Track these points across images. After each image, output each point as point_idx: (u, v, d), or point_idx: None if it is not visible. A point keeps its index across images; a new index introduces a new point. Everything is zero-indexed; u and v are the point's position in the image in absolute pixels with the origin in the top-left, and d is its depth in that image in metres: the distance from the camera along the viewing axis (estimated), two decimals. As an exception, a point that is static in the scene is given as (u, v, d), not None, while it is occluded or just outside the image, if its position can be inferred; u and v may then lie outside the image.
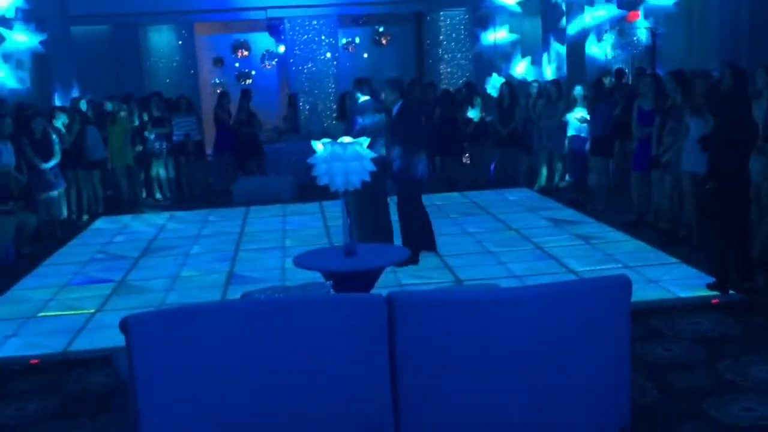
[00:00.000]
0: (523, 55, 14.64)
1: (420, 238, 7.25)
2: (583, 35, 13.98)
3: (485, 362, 3.70)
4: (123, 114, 11.57)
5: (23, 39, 12.77)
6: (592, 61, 14.27)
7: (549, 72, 13.82)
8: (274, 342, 3.60)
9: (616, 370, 3.85)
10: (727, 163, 5.69)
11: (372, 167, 5.06)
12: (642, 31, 14.25)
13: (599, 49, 14.19)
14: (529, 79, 13.27)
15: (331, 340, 3.67)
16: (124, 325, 3.54)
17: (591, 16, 14.13)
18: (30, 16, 12.71)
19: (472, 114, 11.91)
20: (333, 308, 3.73)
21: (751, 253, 6.14)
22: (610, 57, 14.45)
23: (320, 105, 14.35)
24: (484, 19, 14.92)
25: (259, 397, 3.57)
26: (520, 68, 14.53)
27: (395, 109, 7.07)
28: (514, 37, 14.76)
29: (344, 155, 4.91)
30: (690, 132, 6.93)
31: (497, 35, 14.76)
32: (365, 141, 5.04)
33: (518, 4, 14.63)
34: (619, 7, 14.13)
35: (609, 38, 14.45)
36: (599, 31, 14.24)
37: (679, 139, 7.33)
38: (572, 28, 13.95)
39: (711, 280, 6.09)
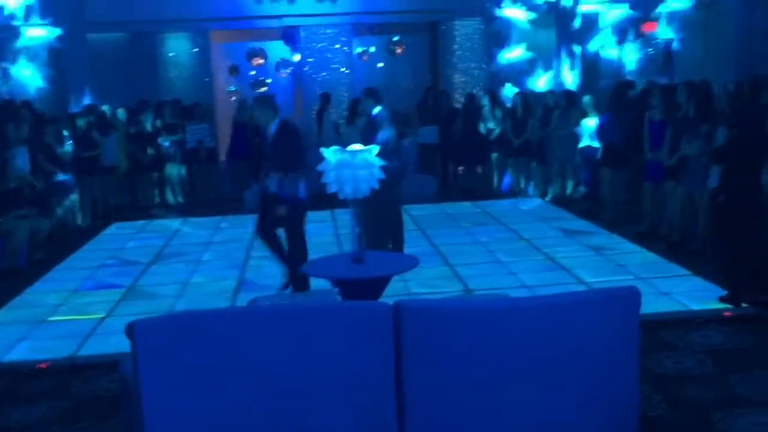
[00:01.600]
0: (545, 70, 14.65)
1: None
2: (597, 43, 13.96)
3: (492, 372, 3.67)
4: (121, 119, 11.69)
5: (40, 33, 12.97)
6: (608, 63, 14.20)
7: (569, 80, 13.75)
8: (280, 349, 3.59)
9: (624, 382, 3.81)
10: (741, 175, 5.64)
11: (381, 175, 5.06)
12: (658, 42, 14.22)
13: (617, 52, 14.13)
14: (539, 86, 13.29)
15: (338, 347, 3.65)
16: (130, 331, 3.55)
17: (605, 19, 14.09)
18: (46, 16, 12.92)
19: (490, 121, 11.89)
20: (339, 315, 3.72)
21: (764, 265, 6.06)
22: (628, 64, 14.41)
23: (334, 113, 14.36)
24: (499, 37, 14.85)
25: (264, 403, 3.56)
26: (541, 83, 14.51)
27: (272, 129, 6.57)
28: (530, 54, 14.76)
29: (353, 163, 4.91)
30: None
31: (513, 54, 14.74)
32: (375, 149, 5.04)
33: (530, 21, 14.59)
34: (631, 8, 14.07)
35: (631, 46, 14.41)
36: (619, 32, 14.16)
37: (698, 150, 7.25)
38: (587, 37, 13.93)
39: (723, 293, 6.04)
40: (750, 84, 6.18)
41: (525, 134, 11.27)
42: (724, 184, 5.84)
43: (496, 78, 14.79)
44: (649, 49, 14.53)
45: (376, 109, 7.38)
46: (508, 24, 14.76)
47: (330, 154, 5.01)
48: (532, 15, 14.58)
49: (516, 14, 14.63)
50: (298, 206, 6.58)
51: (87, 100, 12.75)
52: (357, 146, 5.05)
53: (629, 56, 14.52)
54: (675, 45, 14.45)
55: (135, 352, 3.46)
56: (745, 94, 5.85)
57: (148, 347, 3.49)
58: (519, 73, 14.73)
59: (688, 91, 7.57)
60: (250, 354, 3.56)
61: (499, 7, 14.44)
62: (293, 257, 6.57)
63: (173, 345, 3.53)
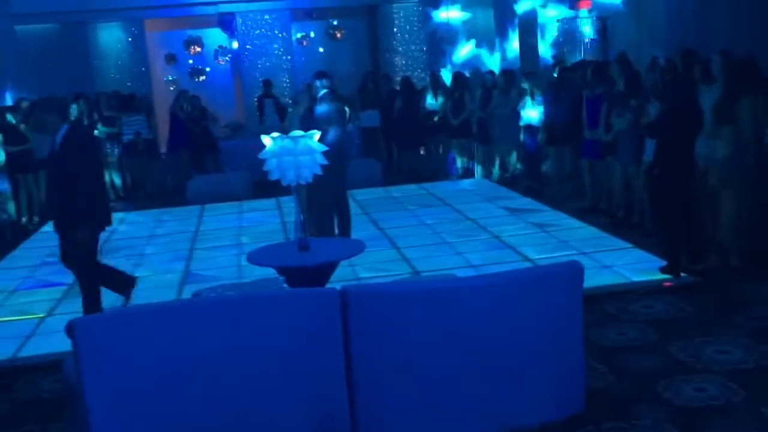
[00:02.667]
0: (468, 39, 14.61)
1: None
2: (534, 25, 14.07)
3: (440, 352, 3.69)
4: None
5: None
6: (545, 43, 14.34)
7: (515, 49, 13.77)
8: (226, 340, 3.55)
9: (570, 355, 3.88)
10: (674, 149, 5.77)
11: (323, 160, 5.02)
12: (586, 21, 14.39)
13: (544, 46, 14.28)
14: (479, 66, 13.33)
15: (285, 335, 3.62)
16: (70, 329, 3.46)
17: (543, 17, 14.22)
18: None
19: (430, 102, 11.90)
20: (285, 303, 3.69)
21: (701, 235, 6.23)
22: (566, 42, 14.56)
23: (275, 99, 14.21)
24: (442, 36, 14.81)
25: (212, 396, 3.51)
26: (465, 51, 14.47)
27: (58, 139, 5.34)
28: (467, 15, 14.67)
29: (295, 149, 4.86)
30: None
31: (449, 14, 14.65)
32: (315, 133, 5.00)
33: (468, 20, 14.56)
34: (570, 8, 14.25)
35: (552, 33, 14.55)
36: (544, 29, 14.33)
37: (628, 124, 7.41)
38: (524, 17, 14.01)
39: (663, 264, 6.19)
40: (681, 58, 6.31)
41: (464, 114, 11.33)
42: (659, 158, 5.97)
43: (433, 52, 14.72)
44: (577, 32, 14.71)
45: (323, 90, 7.32)
46: (446, 24, 14.69)
47: (271, 141, 4.95)
48: (468, 14, 14.53)
49: (453, 15, 14.56)
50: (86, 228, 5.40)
51: (16, 94, 12.34)
52: (298, 132, 5.00)
53: (565, 34, 14.66)
54: (609, 22, 14.65)
55: (76, 351, 3.38)
56: (677, 68, 5.96)
57: (89, 346, 3.41)
58: (454, 36, 14.64)
59: (620, 67, 7.71)
60: (195, 347, 3.50)
61: (436, 9, 14.36)
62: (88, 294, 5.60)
63: (115, 342, 3.45)
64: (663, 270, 6.09)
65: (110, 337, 3.46)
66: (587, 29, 14.69)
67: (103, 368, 3.40)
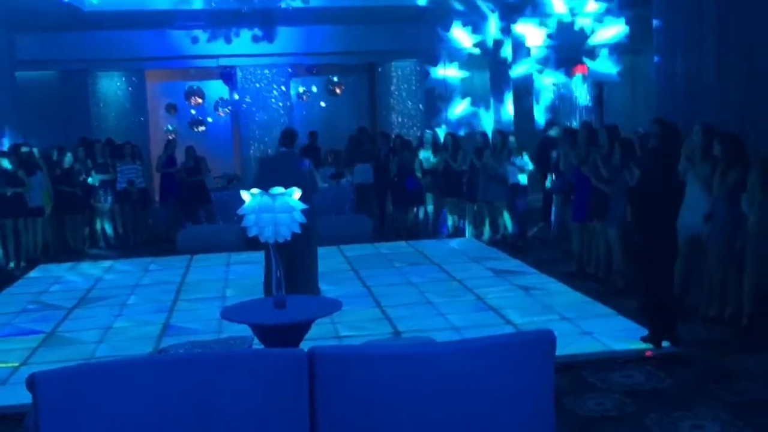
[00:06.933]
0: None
1: None
2: (530, 89, 14.31)
3: (409, 417, 3.63)
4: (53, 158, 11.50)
5: None
6: (541, 105, 14.56)
7: (507, 119, 13.93)
8: (190, 399, 3.48)
9: (541, 425, 3.81)
10: (654, 215, 5.77)
11: (302, 218, 5.02)
12: (581, 87, 14.66)
13: (538, 110, 14.52)
14: (474, 125, 13.52)
15: (251, 396, 3.56)
16: (31, 383, 3.40)
17: (539, 81, 14.47)
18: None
19: (425, 156, 11.96)
20: (252, 363, 3.63)
21: (674, 303, 6.19)
22: (562, 105, 14.81)
23: (271, 152, 14.31)
24: (438, 93, 15.04)
25: (172, 457, 3.44)
26: (459, 108, 14.66)
27: None
28: (464, 74, 14.89)
29: (273, 206, 4.87)
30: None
31: (458, 109, 14.94)
32: (294, 191, 5.00)
33: (463, 79, 14.78)
34: (566, 74, 14.50)
35: (565, 87, 14.79)
36: (551, 72, 14.56)
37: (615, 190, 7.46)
38: (519, 81, 14.25)
39: (645, 332, 6.13)
40: (663, 128, 6.39)
41: (456, 173, 11.41)
42: (638, 225, 5.97)
43: (430, 108, 14.90)
44: (580, 92, 14.96)
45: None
46: (443, 82, 14.92)
47: (250, 197, 4.96)
48: (465, 74, 14.78)
49: (450, 72, 14.81)
50: None
51: (13, 139, 12.44)
52: (278, 189, 5.01)
53: (561, 98, 14.91)
54: (606, 88, 14.90)
55: (36, 405, 3.32)
56: (658, 137, 6.04)
57: (49, 400, 3.35)
58: (466, 124, 14.90)
59: (609, 134, 7.82)
60: (158, 405, 3.44)
61: (434, 66, 14.62)
62: None
63: (77, 397, 3.39)
64: (644, 339, 6.03)
65: (72, 392, 3.40)
66: (583, 95, 14.93)
67: (63, 424, 3.34)
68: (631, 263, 6.44)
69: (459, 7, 13.08)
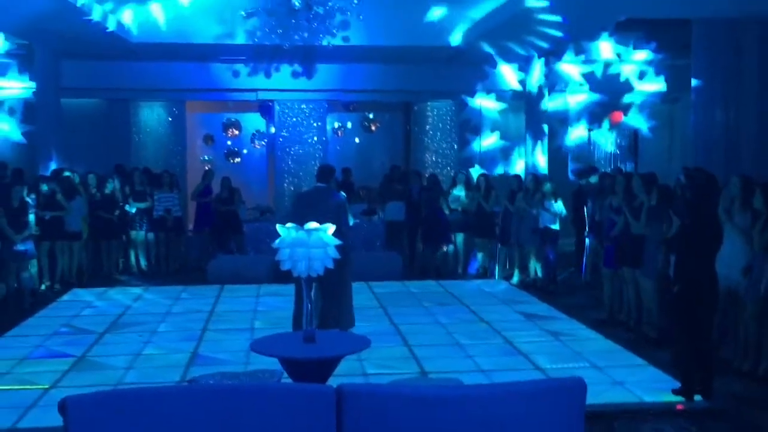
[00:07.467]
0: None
1: None
2: (564, 132, 14.42)
3: (435, 461, 3.60)
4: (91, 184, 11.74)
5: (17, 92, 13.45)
6: (576, 150, 14.63)
7: (542, 164, 13.99)
8: (218, 430, 3.50)
9: (568, 475, 3.75)
10: (694, 265, 5.69)
11: (336, 254, 5.05)
12: (617, 135, 14.76)
13: (584, 138, 14.62)
14: (507, 167, 13.64)
15: (278, 430, 3.57)
16: (62, 407, 3.45)
17: (573, 102, 14.55)
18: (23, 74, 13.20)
19: (456, 194, 11.95)
20: (280, 398, 3.64)
21: (714, 357, 6.08)
22: (597, 151, 14.87)
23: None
24: (469, 124, 15.23)
25: (198, 487, 3.44)
26: (489, 141, 14.92)
27: None
28: (502, 143, 15.17)
29: (308, 241, 4.91)
30: None
31: (487, 142, 15.16)
32: (329, 227, 5.05)
33: (500, 111, 14.99)
34: (599, 97, 14.57)
35: (600, 133, 14.87)
36: (588, 119, 14.64)
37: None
38: (555, 123, 14.36)
39: (677, 384, 6.02)
40: (704, 176, 6.35)
41: (488, 214, 11.40)
42: (679, 274, 5.89)
43: (466, 160, 15.07)
44: (616, 138, 14.97)
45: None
46: (479, 113, 15.12)
47: (285, 231, 5.01)
48: (503, 105, 14.96)
49: (487, 104, 15.01)
50: None
51: (56, 164, 12.73)
52: (313, 224, 5.05)
53: (597, 143, 14.95)
54: (642, 135, 14.89)
55: (66, 429, 3.36)
56: (697, 185, 6.00)
57: (79, 425, 3.40)
58: (491, 159, 15.08)
59: (643, 181, 7.79)
60: (186, 435, 3.46)
61: (472, 97, 14.80)
62: None
63: (107, 423, 3.44)
64: (676, 392, 5.92)
65: (102, 417, 3.45)
66: (618, 142, 14.96)
67: (92, 449, 3.37)
68: (669, 313, 6.34)
69: (490, 50, 13.22)
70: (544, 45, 12.64)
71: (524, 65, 14.24)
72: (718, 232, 5.87)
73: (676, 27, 12.66)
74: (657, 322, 7.55)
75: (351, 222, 7.85)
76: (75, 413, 3.44)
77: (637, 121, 14.73)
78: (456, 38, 12.85)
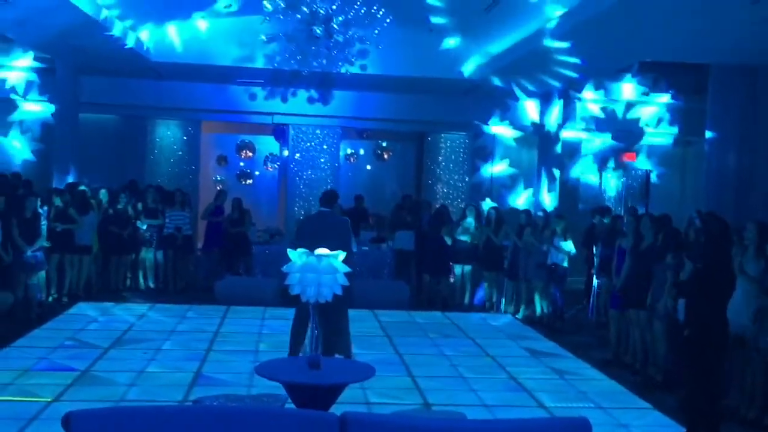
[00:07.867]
0: (525, 188, 15.16)
1: None
2: (577, 168, 14.50)
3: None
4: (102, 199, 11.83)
5: (36, 109, 13.71)
6: (587, 189, 14.70)
7: (547, 200, 14.06)
8: (220, 452, 3.49)
9: None
10: (705, 310, 5.66)
11: (345, 281, 5.06)
12: (629, 176, 14.84)
13: (596, 178, 14.70)
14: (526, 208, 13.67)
15: (280, 456, 3.55)
16: (66, 421, 3.46)
17: (587, 146, 14.68)
18: (44, 93, 13.46)
19: (467, 224, 11.93)
20: (285, 422, 3.64)
21: (721, 404, 6.02)
22: (608, 191, 14.93)
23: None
24: (484, 151, 15.38)
25: None
26: (521, 200, 14.97)
27: None
28: (512, 171, 15.27)
29: (318, 267, 4.92)
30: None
31: (497, 168, 15.30)
32: (340, 254, 5.06)
33: (515, 139, 15.16)
34: (614, 138, 14.70)
35: (612, 174, 14.94)
36: (600, 160, 14.76)
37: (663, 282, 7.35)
38: (568, 161, 14.45)
39: (682, 430, 5.96)
40: (718, 222, 6.34)
41: (497, 248, 11.40)
42: (690, 318, 5.86)
43: (477, 191, 15.14)
44: (628, 179, 15.01)
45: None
46: (493, 139, 15.28)
47: (296, 256, 5.02)
48: (518, 134, 15.10)
49: (502, 131, 15.15)
50: None
51: (71, 178, 12.84)
52: (323, 250, 5.07)
53: (608, 183, 15.01)
54: (654, 177, 14.93)
55: (69, 444, 3.36)
56: (712, 231, 5.99)
57: (83, 440, 3.39)
58: (500, 186, 15.16)
59: (652, 223, 7.79)
60: (187, 455, 3.45)
61: (487, 124, 14.96)
62: None
63: (109, 439, 3.43)
64: (680, 437, 5.86)
65: (105, 433, 3.44)
66: (629, 183, 15.01)
67: (93, 465, 3.36)
68: (677, 358, 6.29)
69: (501, 83, 13.38)
70: (557, 84, 12.79)
71: (543, 100, 14.37)
72: (732, 277, 5.85)
73: (689, 71, 12.76)
74: (663, 365, 7.49)
75: (354, 248, 7.83)
76: (79, 428, 3.44)
77: (646, 164, 14.83)
78: (471, 70, 12.97)
